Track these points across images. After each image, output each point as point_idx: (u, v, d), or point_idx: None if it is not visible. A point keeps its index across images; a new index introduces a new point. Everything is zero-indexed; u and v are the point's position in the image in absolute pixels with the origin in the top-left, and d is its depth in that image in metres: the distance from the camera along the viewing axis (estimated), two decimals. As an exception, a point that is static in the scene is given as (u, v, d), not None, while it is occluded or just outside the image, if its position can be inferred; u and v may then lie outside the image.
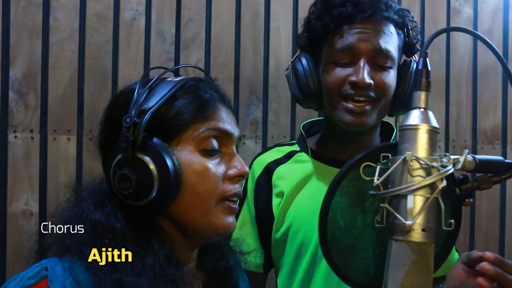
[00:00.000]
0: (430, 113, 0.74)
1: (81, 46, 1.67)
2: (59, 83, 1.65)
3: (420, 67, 0.76)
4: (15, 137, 1.62)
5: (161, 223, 0.75)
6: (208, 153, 0.75)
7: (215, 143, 0.75)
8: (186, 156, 0.73)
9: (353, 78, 1.07)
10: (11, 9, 1.61)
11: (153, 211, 0.74)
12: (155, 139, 0.72)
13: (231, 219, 0.78)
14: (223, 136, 0.77)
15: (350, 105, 1.08)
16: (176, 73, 1.60)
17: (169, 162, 0.71)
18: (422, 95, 0.75)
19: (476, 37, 0.81)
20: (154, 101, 0.73)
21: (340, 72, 1.10)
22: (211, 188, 0.74)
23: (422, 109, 0.74)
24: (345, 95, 1.09)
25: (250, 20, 1.80)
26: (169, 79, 0.78)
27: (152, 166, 0.70)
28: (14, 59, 1.62)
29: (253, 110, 1.80)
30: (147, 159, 0.70)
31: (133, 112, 0.71)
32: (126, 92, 0.78)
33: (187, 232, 0.76)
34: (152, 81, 0.76)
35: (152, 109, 0.72)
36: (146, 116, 0.71)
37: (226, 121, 0.77)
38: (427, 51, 0.77)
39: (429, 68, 0.76)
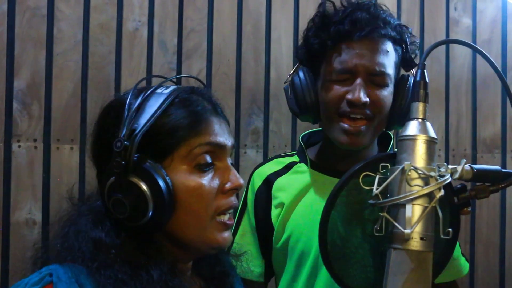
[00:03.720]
0: (428, 124, 0.75)
1: (85, 56, 1.68)
2: (63, 93, 1.67)
3: (418, 78, 0.77)
4: (19, 146, 1.63)
5: (159, 239, 0.75)
6: (202, 168, 0.74)
7: (208, 158, 0.74)
8: (180, 174, 0.72)
9: (350, 97, 1.07)
10: (16, 21, 1.63)
11: (150, 230, 0.74)
12: (147, 161, 0.70)
13: (226, 234, 0.77)
14: (217, 149, 0.75)
15: (346, 126, 1.09)
16: (178, 81, 1.62)
17: (162, 184, 0.69)
18: (420, 106, 0.76)
19: (475, 50, 0.83)
20: (144, 119, 0.71)
21: (337, 90, 1.10)
22: (206, 205, 0.74)
23: (420, 120, 0.76)
24: (341, 113, 1.10)
25: (251, 31, 1.82)
26: (160, 90, 0.76)
27: (145, 189, 0.69)
28: (18, 70, 1.64)
29: (254, 119, 1.81)
30: (140, 182, 0.69)
31: (122, 135, 0.69)
32: (116, 106, 0.76)
33: (184, 247, 0.77)
34: (142, 96, 0.74)
35: (142, 130, 0.70)
36: (136, 139, 0.69)
37: (219, 133, 0.76)
38: (425, 62, 0.78)
39: (427, 80, 0.77)
